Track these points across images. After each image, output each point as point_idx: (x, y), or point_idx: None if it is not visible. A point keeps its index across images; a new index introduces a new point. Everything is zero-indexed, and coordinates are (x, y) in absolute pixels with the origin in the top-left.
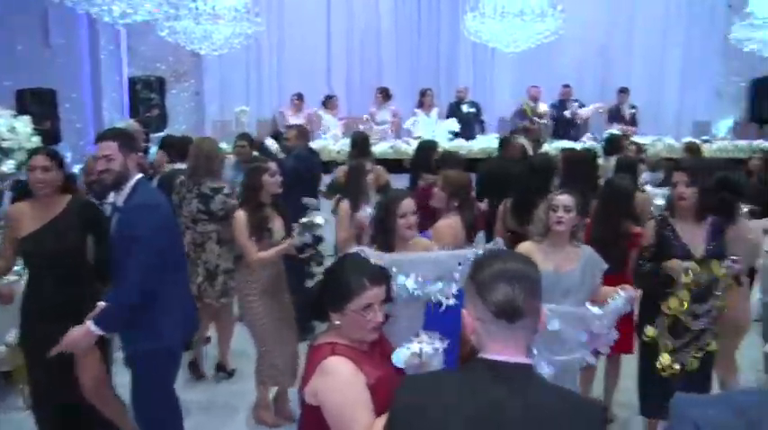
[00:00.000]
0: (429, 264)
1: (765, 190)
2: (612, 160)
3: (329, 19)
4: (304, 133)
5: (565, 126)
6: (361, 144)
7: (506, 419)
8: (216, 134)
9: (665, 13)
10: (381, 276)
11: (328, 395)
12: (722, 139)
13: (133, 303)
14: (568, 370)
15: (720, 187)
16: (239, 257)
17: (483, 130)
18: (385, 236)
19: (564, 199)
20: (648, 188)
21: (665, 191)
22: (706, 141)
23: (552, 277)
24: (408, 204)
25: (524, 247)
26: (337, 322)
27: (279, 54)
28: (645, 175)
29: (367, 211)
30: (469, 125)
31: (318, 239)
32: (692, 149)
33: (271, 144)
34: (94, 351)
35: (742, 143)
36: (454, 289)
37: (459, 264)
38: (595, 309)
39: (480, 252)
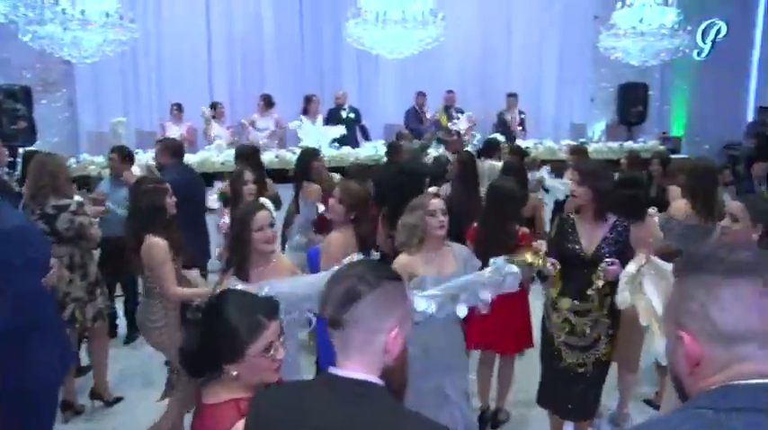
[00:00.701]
0: (303, 288)
1: (663, 194)
2: (487, 163)
3: (209, 25)
4: (175, 148)
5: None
6: (246, 153)
7: None
8: (91, 147)
9: (540, 23)
10: (274, 308)
11: None
12: (597, 142)
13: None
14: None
15: (624, 186)
16: (150, 289)
17: (366, 137)
18: (241, 251)
19: (439, 202)
20: (548, 181)
21: (565, 181)
22: (583, 143)
23: (442, 281)
24: (264, 217)
25: (402, 260)
26: (234, 372)
27: (158, 62)
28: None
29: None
30: (349, 131)
31: None
32: (579, 151)
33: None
34: None
35: (614, 145)
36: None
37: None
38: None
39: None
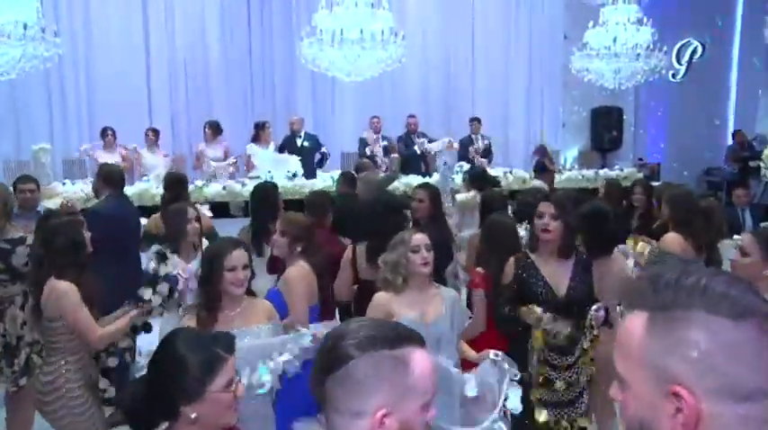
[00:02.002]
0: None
1: (648, 224)
2: (461, 196)
3: (147, 41)
4: (114, 174)
5: (415, 160)
6: (175, 185)
7: None
8: (9, 177)
9: (506, 44)
10: (231, 340)
11: None
12: (570, 169)
13: None
14: None
15: (589, 218)
16: (54, 346)
17: (322, 165)
18: (210, 294)
19: (422, 237)
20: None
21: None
22: (556, 172)
23: (420, 327)
24: (239, 256)
25: (380, 299)
26: (193, 414)
27: (88, 81)
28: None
29: (193, 267)
30: (306, 160)
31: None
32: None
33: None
34: None
35: (588, 173)
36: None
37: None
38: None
39: (310, 335)
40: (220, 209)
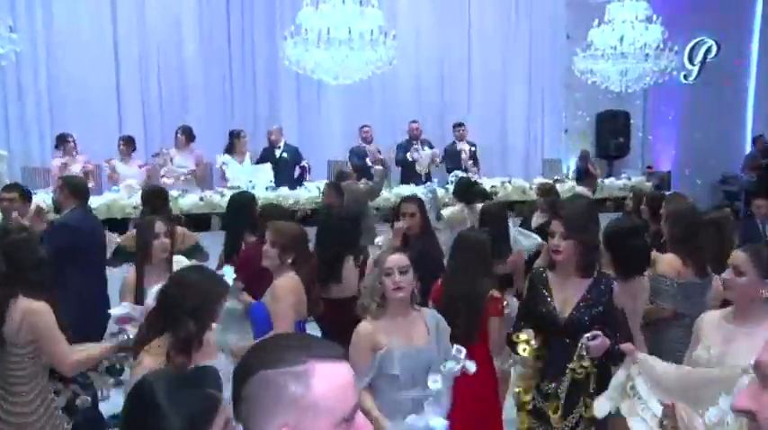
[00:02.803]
0: None
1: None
2: (448, 210)
3: (115, 39)
4: (78, 185)
5: (409, 169)
6: (153, 199)
7: None
8: None
9: (504, 44)
10: (215, 377)
11: None
12: (572, 179)
13: None
14: None
15: (629, 235)
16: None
17: (302, 182)
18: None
19: (397, 259)
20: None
21: (531, 235)
22: (557, 181)
23: (413, 355)
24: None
25: (364, 329)
26: None
27: (49, 83)
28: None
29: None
30: (285, 172)
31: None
32: (547, 190)
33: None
34: None
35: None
36: None
37: None
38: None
39: None
40: (198, 221)
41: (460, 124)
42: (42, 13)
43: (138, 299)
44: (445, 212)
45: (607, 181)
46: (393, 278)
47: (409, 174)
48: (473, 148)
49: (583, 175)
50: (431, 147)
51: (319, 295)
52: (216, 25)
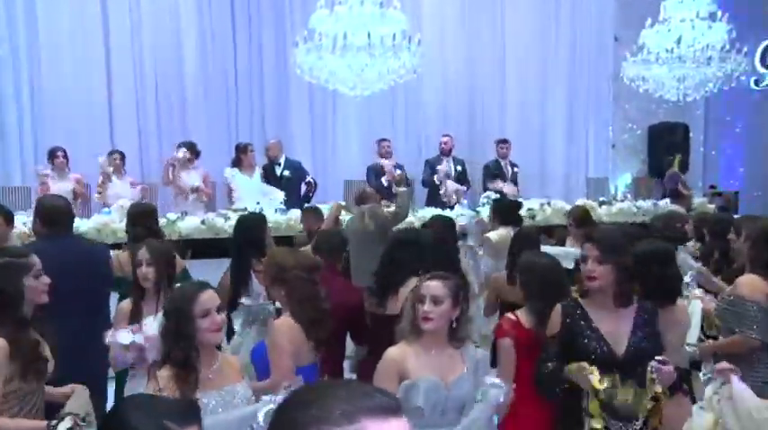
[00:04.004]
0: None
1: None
2: (494, 234)
3: (107, 44)
4: (49, 210)
5: (436, 190)
6: (143, 219)
7: None
8: None
9: (543, 48)
10: (195, 410)
11: None
12: (622, 200)
13: None
14: None
15: (657, 261)
16: None
17: (309, 198)
18: (186, 350)
19: (433, 286)
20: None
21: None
22: (604, 203)
23: (442, 391)
24: (210, 299)
25: (393, 353)
26: None
27: (32, 94)
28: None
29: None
30: (290, 190)
31: None
32: (581, 216)
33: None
34: None
35: (645, 204)
36: None
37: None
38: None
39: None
40: (199, 247)
41: (505, 141)
42: (24, 16)
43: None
44: (492, 236)
45: (661, 202)
46: (424, 306)
47: (435, 194)
48: (515, 169)
49: (674, 197)
50: (462, 165)
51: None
52: (219, 30)
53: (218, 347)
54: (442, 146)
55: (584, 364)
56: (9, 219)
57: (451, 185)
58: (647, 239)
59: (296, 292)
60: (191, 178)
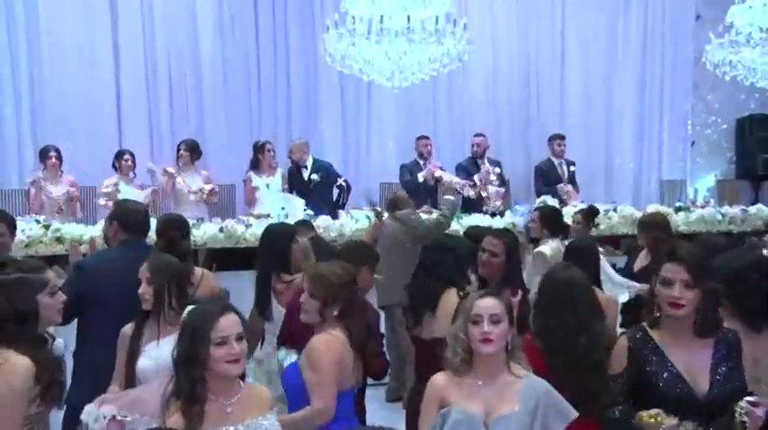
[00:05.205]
0: None
1: None
2: (548, 246)
3: (116, 43)
4: (130, 215)
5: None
6: (170, 230)
7: None
8: None
9: (609, 30)
10: None
11: None
12: (703, 205)
13: None
14: None
15: (746, 274)
16: None
17: (343, 204)
18: (194, 379)
19: (491, 304)
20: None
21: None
22: (681, 209)
23: (477, 427)
24: (230, 325)
25: (438, 381)
26: None
27: (33, 91)
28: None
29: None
30: (320, 196)
31: None
32: (653, 223)
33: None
34: None
35: (732, 211)
36: None
37: None
38: None
39: None
40: (216, 257)
41: (560, 137)
42: (23, 8)
43: (130, 357)
44: (545, 250)
45: (752, 209)
46: (481, 327)
47: (472, 200)
48: (572, 168)
49: None
50: (499, 166)
51: (378, 350)
52: (239, 14)
53: (242, 377)
54: (475, 148)
55: (660, 413)
56: (13, 227)
57: (493, 193)
58: (735, 249)
59: (352, 310)
60: (193, 181)
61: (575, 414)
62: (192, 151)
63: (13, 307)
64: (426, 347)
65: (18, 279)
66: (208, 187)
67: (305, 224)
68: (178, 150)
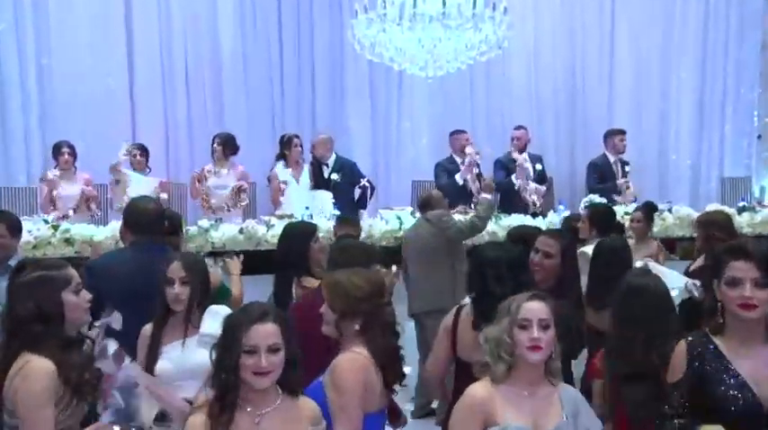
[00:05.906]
0: None
1: None
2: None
3: (129, 32)
4: (139, 218)
5: (511, 194)
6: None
7: None
8: None
9: (664, 11)
10: None
11: None
12: None
13: None
14: None
15: None
16: None
17: (365, 204)
18: (225, 383)
19: (539, 308)
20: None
21: (681, 282)
22: (745, 209)
23: None
24: (265, 335)
25: (478, 393)
26: None
27: (41, 83)
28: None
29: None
30: (341, 195)
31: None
32: (711, 221)
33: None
34: None
35: None
36: None
37: None
38: None
39: None
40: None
41: (621, 131)
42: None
43: (150, 359)
44: (588, 251)
45: None
46: (530, 333)
47: (511, 199)
48: (626, 168)
49: None
50: (540, 162)
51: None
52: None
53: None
54: (515, 141)
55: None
56: (15, 229)
57: (532, 189)
58: None
59: (375, 325)
60: (225, 178)
61: (598, 423)
62: (224, 145)
63: (38, 306)
64: (463, 367)
65: (40, 276)
66: (236, 185)
67: (348, 221)
68: (212, 144)
